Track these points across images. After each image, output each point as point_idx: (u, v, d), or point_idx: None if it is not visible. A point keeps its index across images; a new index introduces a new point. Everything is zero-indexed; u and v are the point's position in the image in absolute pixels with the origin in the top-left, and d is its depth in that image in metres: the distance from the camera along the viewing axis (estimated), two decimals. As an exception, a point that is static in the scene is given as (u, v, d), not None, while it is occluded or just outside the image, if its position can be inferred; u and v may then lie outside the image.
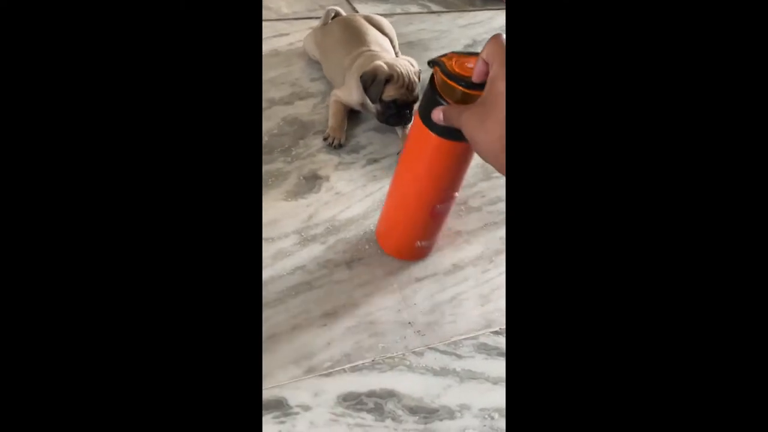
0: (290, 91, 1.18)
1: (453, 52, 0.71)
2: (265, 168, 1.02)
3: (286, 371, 0.77)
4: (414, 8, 1.48)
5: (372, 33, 1.19)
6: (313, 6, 1.41)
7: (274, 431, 0.71)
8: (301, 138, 1.09)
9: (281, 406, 0.73)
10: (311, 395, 0.75)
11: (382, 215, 0.92)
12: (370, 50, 1.13)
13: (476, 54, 0.64)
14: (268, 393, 0.74)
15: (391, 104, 1.06)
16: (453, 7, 1.51)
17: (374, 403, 0.76)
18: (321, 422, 0.73)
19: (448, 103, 0.69)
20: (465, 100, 0.66)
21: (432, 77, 0.71)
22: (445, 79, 0.68)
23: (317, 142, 1.09)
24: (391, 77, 1.04)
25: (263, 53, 1.26)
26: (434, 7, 1.49)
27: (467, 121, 0.58)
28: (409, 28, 1.41)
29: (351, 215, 0.98)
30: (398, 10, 1.45)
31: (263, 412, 0.73)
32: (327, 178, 1.03)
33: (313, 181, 1.02)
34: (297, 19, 1.37)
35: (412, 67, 1.08)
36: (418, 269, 0.92)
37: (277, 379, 0.76)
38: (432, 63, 0.71)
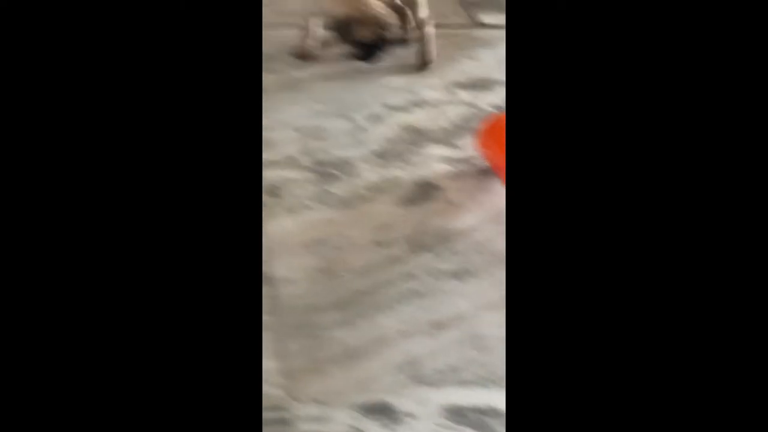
0: (407, 99, 1.20)
1: None
2: (382, 172, 1.05)
3: (393, 376, 0.78)
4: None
5: None
6: (436, 14, 1.41)
7: (380, 435, 0.73)
8: (416, 143, 1.11)
9: (389, 411, 0.75)
10: (416, 403, 0.76)
11: None
12: None
13: None
14: (376, 397, 0.76)
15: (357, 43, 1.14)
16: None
17: (477, 418, 0.75)
18: (425, 431, 0.74)
19: None
20: None
21: None
22: None
23: (433, 150, 1.10)
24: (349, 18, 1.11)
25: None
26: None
27: None
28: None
29: (464, 226, 0.98)
30: (518, 21, 1.44)
31: (367, 414, 0.74)
32: (441, 187, 1.04)
33: (426, 189, 1.03)
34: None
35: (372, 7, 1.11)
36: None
37: (385, 384, 0.78)
38: None
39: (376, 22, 1.08)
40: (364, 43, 1.10)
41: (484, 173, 1.06)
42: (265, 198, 0.96)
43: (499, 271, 0.91)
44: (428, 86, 1.22)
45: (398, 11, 1.10)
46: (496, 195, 1.00)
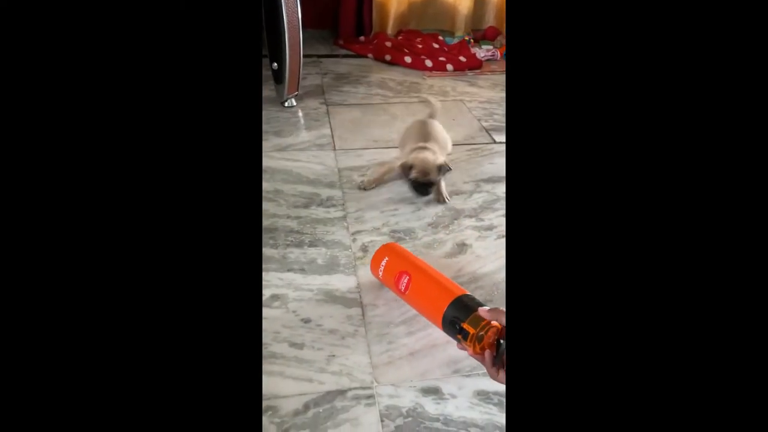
0: (450, 189, 1.21)
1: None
2: (433, 236, 1.05)
3: (441, 369, 0.77)
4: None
5: (431, 134, 1.25)
6: (468, 136, 1.45)
7: (433, 408, 0.71)
8: (456, 219, 1.11)
9: (438, 392, 0.74)
10: (457, 388, 0.75)
11: None
12: (422, 146, 1.18)
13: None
14: (430, 383, 0.75)
15: (412, 181, 1.14)
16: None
17: (498, 399, 0.73)
18: (462, 407, 0.72)
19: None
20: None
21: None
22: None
23: (467, 222, 1.10)
24: (413, 166, 1.12)
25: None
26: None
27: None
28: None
29: (486, 271, 0.97)
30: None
31: (424, 394, 0.73)
32: (471, 246, 1.04)
33: (462, 247, 1.03)
34: (457, 144, 1.41)
35: (435, 159, 1.13)
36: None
37: (435, 374, 0.76)
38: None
39: (425, 171, 1.12)
40: (422, 183, 1.14)
41: (502, 237, 1.06)
42: (359, 253, 1.00)
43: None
44: (462, 182, 1.25)
45: (438, 168, 1.15)
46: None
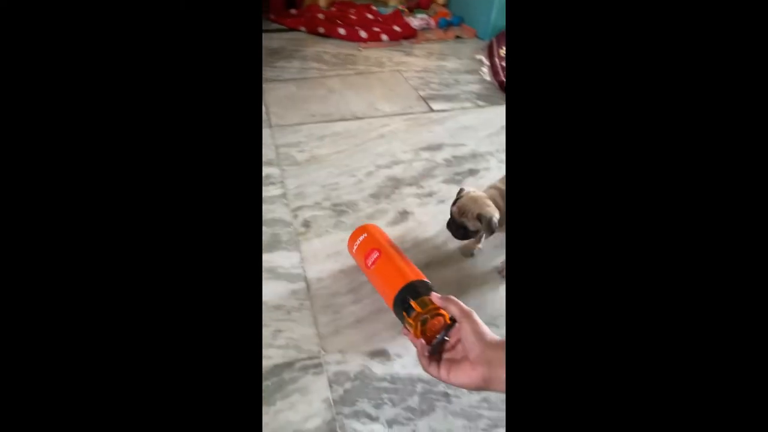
0: (390, 159, 1.23)
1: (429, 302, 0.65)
2: (376, 207, 1.06)
3: (387, 332, 0.79)
4: (468, 104, 1.49)
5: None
6: (406, 106, 1.46)
7: (380, 369, 0.74)
8: (397, 188, 1.13)
9: (385, 354, 0.76)
10: (403, 348, 0.77)
11: None
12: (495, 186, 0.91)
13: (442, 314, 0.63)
14: (377, 346, 0.77)
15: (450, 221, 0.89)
16: (493, 102, 1.51)
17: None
18: (409, 365, 0.75)
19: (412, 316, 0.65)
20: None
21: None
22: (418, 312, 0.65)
23: (408, 191, 1.12)
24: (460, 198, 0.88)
25: (373, 137, 1.31)
26: (480, 103, 1.50)
27: (455, 377, 0.52)
28: (466, 116, 1.42)
29: (428, 235, 1.00)
30: (458, 106, 1.48)
31: (372, 357, 0.75)
32: (413, 213, 1.06)
33: (404, 215, 1.05)
34: (395, 115, 1.42)
35: (475, 208, 0.84)
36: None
37: (382, 337, 0.78)
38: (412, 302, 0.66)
39: (475, 217, 0.84)
40: (469, 229, 0.87)
41: (442, 202, 1.09)
42: (301, 228, 0.99)
43: (454, 263, 0.93)
44: (402, 151, 1.26)
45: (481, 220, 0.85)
46: (448, 215, 1.02)
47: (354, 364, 0.74)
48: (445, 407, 0.69)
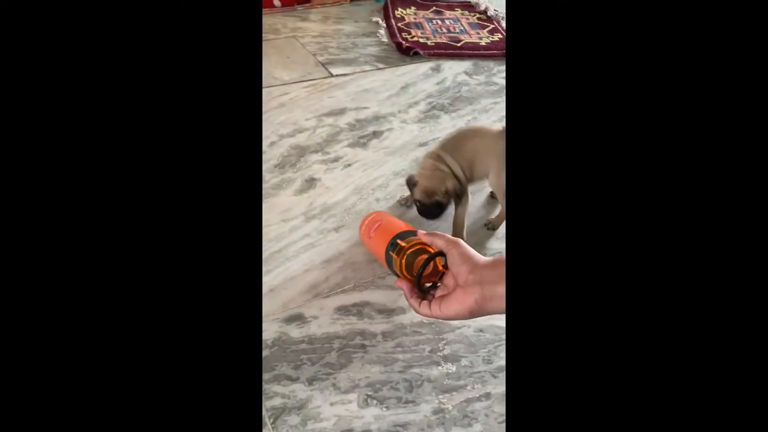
0: (293, 128, 1.20)
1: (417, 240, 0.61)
2: (281, 177, 1.05)
3: (301, 297, 0.80)
4: (367, 67, 1.49)
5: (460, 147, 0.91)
6: (305, 73, 1.43)
7: (297, 332, 0.75)
8: (302, 156, 1.12)
9: (301, 317, 0.77)
10: (318, 309, 0.79)
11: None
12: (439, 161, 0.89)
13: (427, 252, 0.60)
14: (292, 311, 0.78)
15: (423, 208, 0.89)
16: (392, 64, 1.52)
17: (357, 310, 0.79)
18: (325, 324, 0.77)
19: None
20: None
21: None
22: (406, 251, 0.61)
23: (313, 158, 1.11)
24: (416, 184, 0.88)
25: (274, 107, 1.27)
26: (379, 65, 1.51)
27: (446, 309, 0.50)
28: (366, 79, 1.43)
29: (336, 200, 1.01)
30: (357, 69, 1.47)
31: (288, 322, 0.76)
32: (320, 179, 1.06)
33: (311, 182, 1.05)
34: (294, 83, 1.38)
35: (438, 185, 0.86)
36: (380, 228, 0.94)
37: (296, 302, 0.79)
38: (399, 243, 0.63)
39: (428, 193, 0.86)
40: (417, 200, 0.89)
41: (349, 165, 1.10)
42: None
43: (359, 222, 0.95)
44: (304, 119, 1.24)
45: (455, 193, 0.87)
46: (355, 178, 1.03)
47: (270, 331, 0.75)
48: (362, 357, 0.72)
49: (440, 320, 0.70)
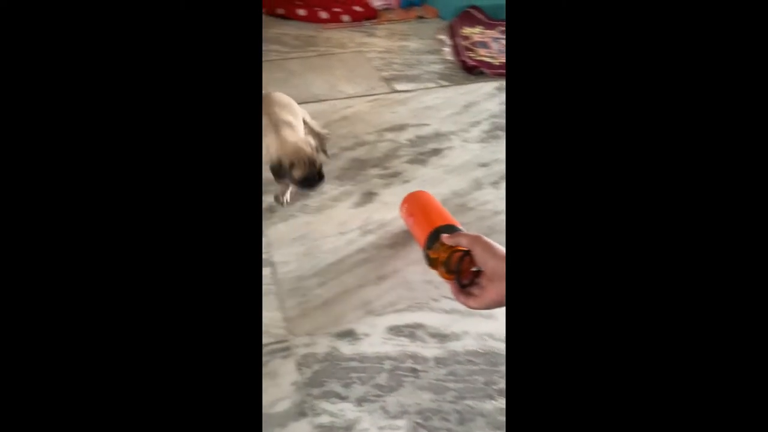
0: (353, 141, 1.21)
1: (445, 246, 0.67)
2: (340, 189, 1.05)
3: (354, 313, 0.79)
4: (430, 84, 1.49)
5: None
6: (368, 88, 1.44)
7: (348, 349, 0.74)
8: (362, 170, 1.11)
9: (352, 334, 0.76)
10: (370, 327, 0.77)
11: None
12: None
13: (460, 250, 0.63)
14: (344, 326, 0.77)
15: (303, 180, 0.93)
16: (455, 82, 1.51)
17: (409, 331, 0.77)
18: (376, 343, 0.75)
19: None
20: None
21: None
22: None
23: (372, 172, 1.10)
24: (294, 164, 0.91)
25: (336, 120, 1.28)
26: (443, 83, 1.50)
27: (478, 302, 0.57)
28: (428, 96, 1.42)
29: (393, 215, 0.99)
30: (420, 86, 1.47)
31: (339, 338, 0.75)
32: (378, 194, 1.05)
33: (369, 196, 1.04)
34: (357, 96, 1.39)
35: (301, 155, 0.90)
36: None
37: (349, 318, 0.78)
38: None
39: (309, 162, 0.90)
40: (305, 178, 0.91)
41: (407, 182, 1.09)
42: (266, 214, 0.97)
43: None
44: (366, 132, 1.24)
45: (315, 147, 0.92)
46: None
47: (322, 345, 0.74)
48: (413, 382, 0.70)
49: (494, 350, 0.72)
